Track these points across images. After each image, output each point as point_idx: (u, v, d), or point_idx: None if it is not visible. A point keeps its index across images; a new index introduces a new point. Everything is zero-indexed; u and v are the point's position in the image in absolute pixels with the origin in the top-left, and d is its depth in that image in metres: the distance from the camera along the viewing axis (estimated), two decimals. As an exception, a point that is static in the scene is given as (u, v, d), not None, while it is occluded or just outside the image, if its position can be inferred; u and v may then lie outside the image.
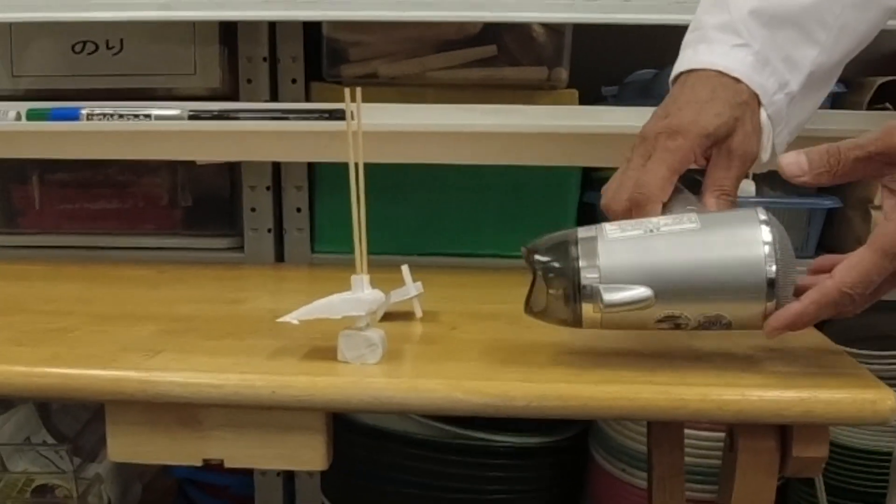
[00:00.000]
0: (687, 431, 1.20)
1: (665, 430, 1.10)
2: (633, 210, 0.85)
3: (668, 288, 0.77)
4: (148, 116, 1.24)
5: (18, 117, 1.27)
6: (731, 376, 0.80)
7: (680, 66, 0.93)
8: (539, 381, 0.78)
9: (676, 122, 0.87)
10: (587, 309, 0.78)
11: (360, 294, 0.83)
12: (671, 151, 0.86)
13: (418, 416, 1.41)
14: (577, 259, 0.78)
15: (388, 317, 0.97)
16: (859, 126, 1.13)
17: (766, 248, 0.77)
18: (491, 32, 1.37)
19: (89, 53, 1.42)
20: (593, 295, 0.77)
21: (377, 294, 0.84)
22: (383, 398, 0.78)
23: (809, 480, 1.35)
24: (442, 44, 1.38)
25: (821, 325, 0.99)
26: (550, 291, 0.80)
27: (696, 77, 0.90)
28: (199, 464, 0.84)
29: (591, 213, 1.48)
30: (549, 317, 0.82)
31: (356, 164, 0.84)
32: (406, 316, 0.99)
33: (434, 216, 1.43)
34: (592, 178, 1.47)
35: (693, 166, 0.89)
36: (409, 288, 0.98)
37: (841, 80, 1.12)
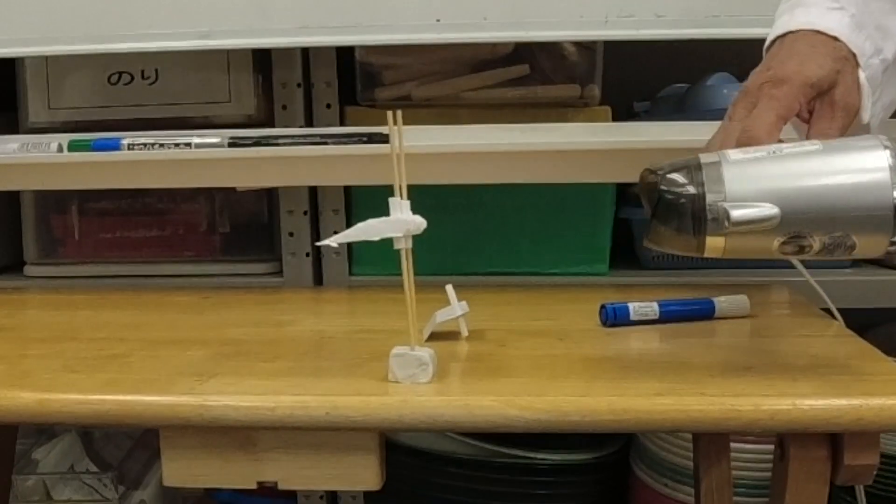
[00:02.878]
0: (733, 445, 1.20)
1: (712, 442, 1.10)
2: None
3: (794, 207, 0.77)
4: (188, 145, 1.25)
5: (60, 149, 1.28)
6: (781, 386, 0.80)
7: (776, 30, 0.93)
8: (591, 396, 0.78)
9: (781, 72, 0.88)
10: (712, 231, 0.78)
11: (399, 215, 0.84)
12: (777, 98, 0.86)
13: (459, 434, 1.41)
14: (703, 183, 0.78)
15: (435, 336, 0.98)
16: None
17: (892, 173, 0.76)
18: (523, 51, 1.38)
19: (125, 84, 1.44)
20: (718, 215, 0.77)
21: (417, 218, 0.85)
22: (437, 416, 0.78)
23: (850, 488, 1.35)
24: (475, 64, 1.39)
25: (863, 333, 0.99)
26: (673, 217, 0.79)
27: (793, 37, 0.91)
28: (254, 486, 0.84)
29: (626, 229, 1.49)
30: (670, 244, 0.81)
31: (400, 188, 0.84)
32: (452, 335, 0.99)
33: (472, 236, 1.44)
34: (627, 194, 1.48)
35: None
36: (455, 307, 0.98)
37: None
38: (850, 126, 0.89)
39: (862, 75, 0.90)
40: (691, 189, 0.78)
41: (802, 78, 0.87)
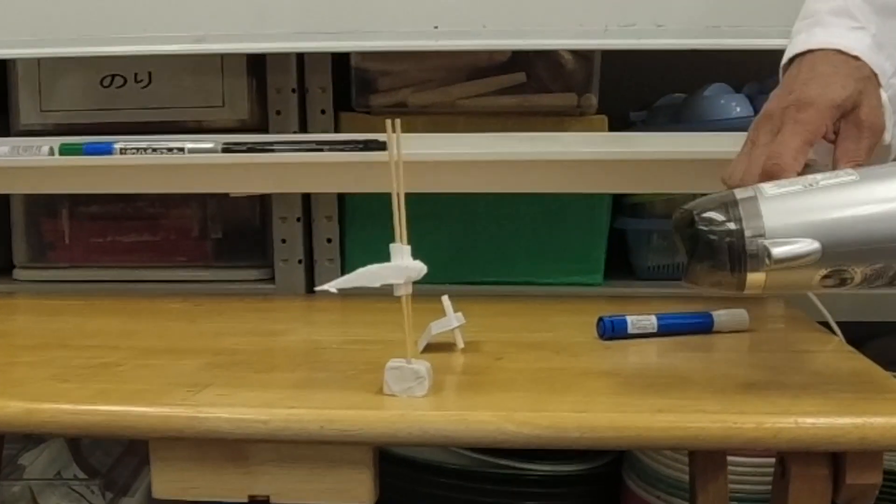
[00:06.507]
0: (729, 458, 1.19)
1: (709, 457, 1.09)
2: None
3: (835, 240, 0.76)
4: (181, 150, 1.24)
5: (52, 152, 1.27)
6: (783, 403, 0.79)
7: (794, 49, 0.92)
8: (591, 411, 0.77)
9: (805, 95, 0.87)
10: (753, 268, 0.76)
11: (400, 262, 0.82)
12: (802, 123, 0.86)
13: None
14: (741, 219, 0.77)
15: (431, 348, 0.97)
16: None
17: None
18: (520, 60, 1.37)
19: (118, 87, 1.43)
20: (759, 253, 0.76)
21: (418, 264, 0.84)
22: (434, 432, 0.77)
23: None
24: (471, 72, 1.38)
25: (858, 347, 0.99)
26: (711, 255, 0.78)
27: (814, 57, 0.90)
28: (245, 500, 0.83)
29: (621, 240, 1.48)
30: (709, 282, 0.80)
31: (398, 195, 0.83)
32: (448, 347, 0.98)
33: (467, 245, 1.43)
34: (623, 205, 1.47)
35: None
36: (451, 319, 0.97)
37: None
38: (875, 144, 0.88)
39: (884, 95, 0.89)
40: (730, 226, 0.77)
41: (827, 101, 0.86)
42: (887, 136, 0.90)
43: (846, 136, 0.87)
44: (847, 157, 0.87)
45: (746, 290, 0.78)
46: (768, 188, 0.79)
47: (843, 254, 0.76)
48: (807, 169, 0.85)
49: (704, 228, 0.78)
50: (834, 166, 0.87)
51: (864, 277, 0.77)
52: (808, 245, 0.75)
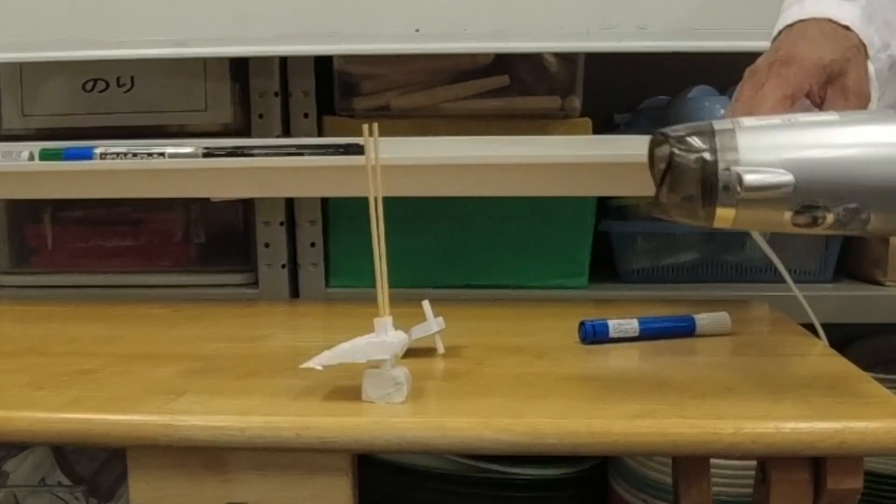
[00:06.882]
0: (712, 461, 1.19)
1: (692, 460, 1.09)
2: None
3: (809, 175, 0.75)
4: (162, 155, 1.23)
5: (31, 157, 1.26)
6: (763, 408, 0.79)
7: (784, 20, 0.92)
8: (570, 417, 0.77)
9: (791, 53, 0.87)
10: (723, 202, 0.75)
11: (385, 337, 0.82)
12: (785, 77, 0.85)
13: (438, 449, 1.40)
14: (716, 149, 0.76)
15: (410, 353, 0.96)
16: None
17: None
18: (503, 63, 1.37)
19: (100, 91, 1.42)
20: (731, 181, 0.75)
21: (401, 335, 0.84)
22: (410, 438, 0.76)
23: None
24: (454, 75, 1.38)
25: (842, 350, 0.98)
26: (682, 183, 0.77)
27: (804, 24, 0.90)
28: (224, 508, 0.83)
29: (606, 242, 1.48)
30: (677, 213, 0.79)
31: (375, 200, 0.83)
32: (428, 352, 0.98)
33: (451, 248, 1.42)
34: (608, 207, 1.47)
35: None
36: (431, 324, 0.97)
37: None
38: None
39: (871, 67, 0.89)
40: (704, 154, 0.76)
41: (814, 58, 0.86)
42: (872, 108, 0.89)
43: (832, 104, 0.87)
44: None
45: (716, 223, 0.77)
46: (747, 121, 0.78)
47: (816, 191, 0.75)
48: None
49: (677, 154, 0.77)
50: None
51: (836, 218, 0.76)
52: (781, 175, 0.74)
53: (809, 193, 0.75)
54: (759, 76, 0.87)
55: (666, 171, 0.78)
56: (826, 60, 0.86)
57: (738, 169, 0.75)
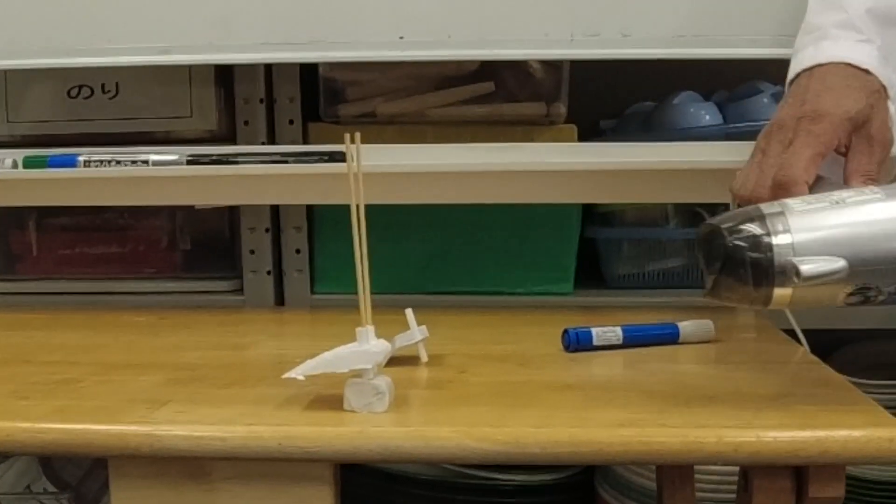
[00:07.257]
0: (697, 467, 1.19)
1: (676, 468, 1.09)
2: (778, 194, 0.84)
3: (862, 258, 0.75)
4: (146, 162, 1.23)
5: (15, 165, 1.25)
6: (745, 416, 0.79)
7: (801, 63, 0.92)
8: (551, 426, 0.77)
9: (819, 107, 0.87)
10: (780, 284, 0.76)
11: (367, 346, 0.82)
12: (815, 135, 0.85)
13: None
14: (769, 234, 0.76)
15: (393, 361, 0.95)
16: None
17: None
18: (489, 69, 1.37)
19: (85, 98, 1.42)
20: (787, 269, 0.75)
21: (383, 345, 0.83)
22: (392, 448, 0.76)
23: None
24: (440, 81, 1.38)
25: (827, 355, 0.98)
26: (737, 270, 0.77)
27: (824, 70, 0.90)
28: (207, 517, 0.83)
29: (592, 248, 1.48)
30: (733, 296, 0.79)
31: (357, 207, 0.83)
32: (411, 360, 0.98)
33: (436, 254, 1.42)
34: (593, 213, 1.47)
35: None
36: (414, 332, 0.97)
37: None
38: (885, 158, 0.89)
39: (892, 107, 0.90)
40: (758, 241, 0.76)
41: (841, 113, 0.86)
42: (895, 150, 0.90)
43: (858, 151, 0.87)
44: (860, 171, 0.87)
45: (772, 305, 0.77)
46: (794, 204, 0.78)
47: (869, 271, 0.76)
48: (817, 181, 0.85)
49: (731, 242, 0.78)
50: (846, 181, 0.87)
51: (888, 295, 0.77)
52: (835, 263, 0.75)
53: (863, 275, 0.76)
54: (786, 132, 0.87)
55: (722, 259, 0.78)
56: (853, 113, 0.86)
57: (794, 259, 0.75)
